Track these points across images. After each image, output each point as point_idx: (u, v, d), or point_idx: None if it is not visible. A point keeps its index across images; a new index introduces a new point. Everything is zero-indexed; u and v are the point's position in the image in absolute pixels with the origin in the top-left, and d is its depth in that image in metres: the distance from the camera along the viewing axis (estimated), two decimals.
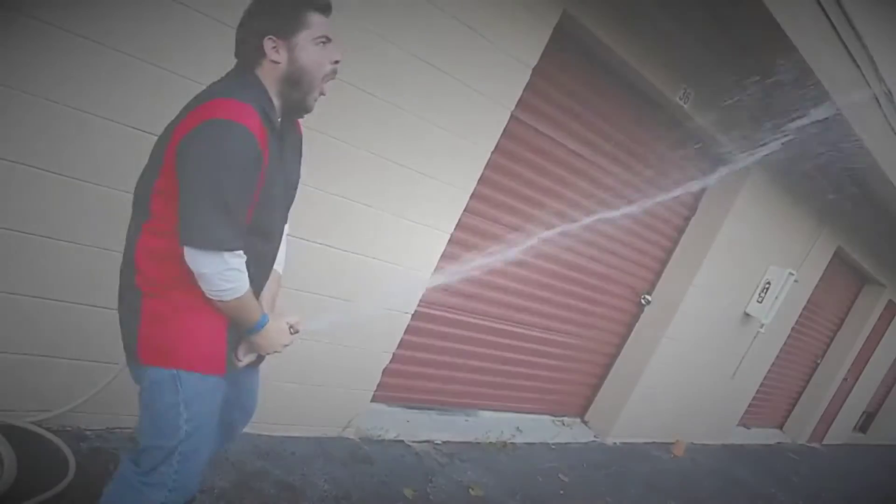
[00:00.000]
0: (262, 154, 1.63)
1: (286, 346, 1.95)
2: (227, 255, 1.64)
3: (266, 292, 1.99)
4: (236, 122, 1.56)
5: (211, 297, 1.70)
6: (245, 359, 1.93)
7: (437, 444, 4.30)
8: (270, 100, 1.73)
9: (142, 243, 1.72)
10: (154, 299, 1.73)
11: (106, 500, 1.86)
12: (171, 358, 1.74)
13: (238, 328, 1.83)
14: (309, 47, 1.72)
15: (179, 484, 1.81)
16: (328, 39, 1.76)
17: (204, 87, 1.74)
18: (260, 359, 2.00)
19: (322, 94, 1.82)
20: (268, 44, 1.70)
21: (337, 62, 1.79)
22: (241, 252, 1.68)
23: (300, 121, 1.93)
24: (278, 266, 2.05)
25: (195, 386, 1.77)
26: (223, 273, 1.65)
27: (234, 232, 1.64)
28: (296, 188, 1.96)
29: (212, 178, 1.57)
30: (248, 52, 1.74)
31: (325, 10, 1.77)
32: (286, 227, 2.03)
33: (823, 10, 3.80)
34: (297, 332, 1.97)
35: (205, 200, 1.58)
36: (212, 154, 1.56)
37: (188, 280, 1.69)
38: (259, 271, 1.86)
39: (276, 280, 2.06)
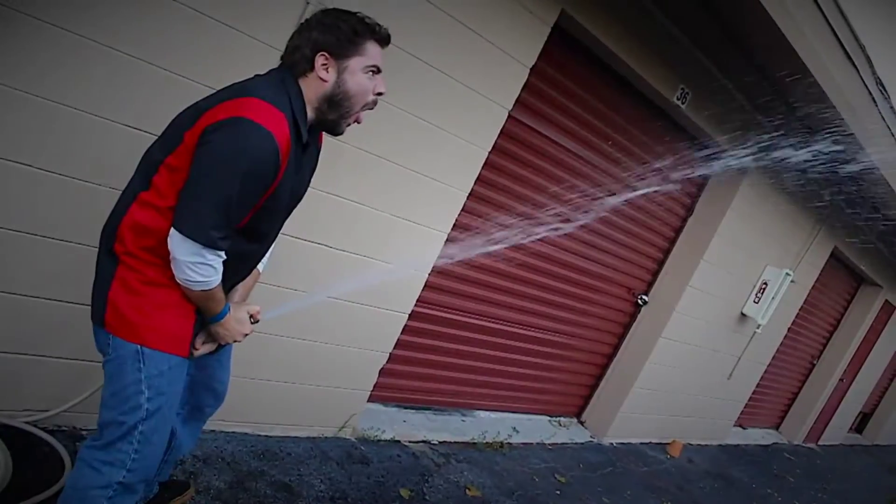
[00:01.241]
0: (280, 165, 1.63)
1: (246, 335, 1.96)
2: (206, 251, 1.64)
3: (240, 286, 2.01)
4: (266, 128, 1.56)
5: (179, 282, 1.71)
6: (202, 348, 1.93)
7: (433, 444, 4.29)
8: (306, 113, 1.73)
9: (131, 212, 1.71)
10: (128, 270, 1.73)
11: (68, 483, 1.86)
12: (136, 332, 1.74)
13: (200, 314, 1.84)
14: (358, 74, 1.74)
15: (138, 464, 1.81)
16: (378, 70, 1.78)
17: (201, 93, 1.73)
18: (218, 347, 1.99)
19: (358, 122, 1.83)
20: (320, 59, 1.71)
21: (381, 94, 1.81)
22: (222, 252, 1.68)
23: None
24: (260, 264, 2.06)
25: (158, 364, 1.77)
26: (196, 266, 1.66)
27: (225, 233, 1.65)
28: (301, 199, 1.96)
29: (225, 174, 1.56)
30: (298, 61, 1.73)
31: (384, 42, 1.80)
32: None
33: (822, 11, 3.80)
34: (256, 321, 1.98)
35: (210, 194, 1.58)
36: (232, 152, 1.55)
37: (165, 259, 1.70)
38: (244, 268, 1.90)
39: (255, 276, 2.08)
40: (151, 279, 1.73)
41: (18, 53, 2.22)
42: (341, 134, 1.84)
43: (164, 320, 1.76)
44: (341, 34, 1.71)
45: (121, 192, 1.79)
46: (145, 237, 1.70)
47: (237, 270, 1.81)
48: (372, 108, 1.84)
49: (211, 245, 1.63)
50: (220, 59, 2.56)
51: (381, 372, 3.84)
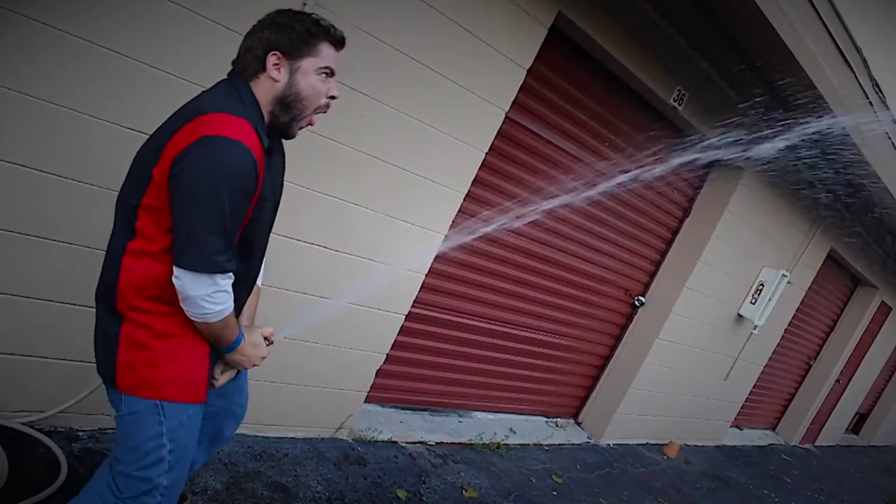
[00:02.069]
0: (259, 173, 1.59)
1: (264, 358, 1.93)
2: (218, 276, 1.60)
3: (245, 308, 1.96)
4: (235, 140, 1.50)
5: (195, 319, 1.66)
6: (221, 378, 1.90)
7: (430, 445, 4.29)
8: (262, 117, 1.68)
9: (125, 266, 1.64)
10: (135, 326, 1.67)
11: None
12: (153, 388, 1.69)
13: (215, 347, 1.79)
14: (311, 75, 1.69)
15: None
16: (332, 73, 1.74)
17: (197, 92, 1.71)
18: (237, 373, 1.97)
19: (311, 124, 1.78)
20: (272, 59, 1.66)
21: (333, 97, 1.76)
22: (231, 273, 1.64)
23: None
24: (259, 279, 2.02)
25: (178, 416, 1.73)
26: (212, 296, 1.61)
27: (230, 254, 1.61)
28: (278, 206, 1.90)
29: (212, 198, 1.50)
30: (250, 62, 1.68)
31: (339, 44, 1.74)
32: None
33: (818, 13, 3.81)
34: (271, 343, 1.95)
35: (202, 221, 1.52)
36: (210, 172, 1.49)
37: (173, 305, 1.65)
38: (244, 289, 1.84)
39: (256, 293, 2.03)
40: (161, 331, 1.68)
41: (18, 55, 2.22)
42: (293, 137, 1.79)
43: (179, 370, 1.72)
44: (294, 34, 1.66)
45: (113, 191, 1.74)
46: (147, 287, 1.64)
47: (239, 292, 1.77)
48: (325, 112, 1.79)
49: (221, 271, 1.59)
50: (219, 61, 2.56)
51: (378, 373, 3.84)
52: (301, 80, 1.68)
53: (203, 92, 1.69)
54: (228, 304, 1.67)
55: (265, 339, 1.93)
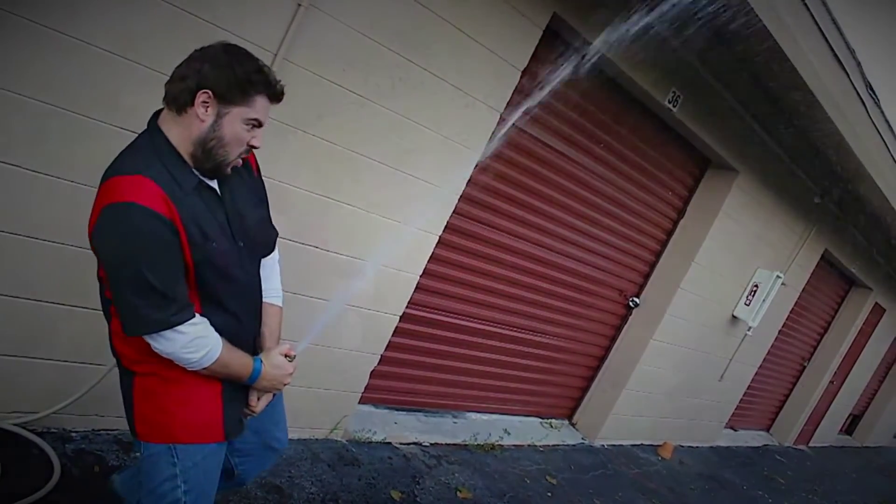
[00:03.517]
0: (175, 223, 1.52)
1: (291, 374, 1.93)
2: (180, 328, 1.58)
3: (265, 329, 1.96)
4: (134, 202, 1.45)
5: (192, 369, 1.67)
6: (259, 404, 1.92)
7: (424, 446, 4.29)
8: (180, 159, 1.59)
9: (113, 328, 1.71)
10: (144, 377, 1.71)
11: None
12: (165, 433, 1.72)
13: (238, 381, 1.81)
14: (237, 123, 1.60)
15: None
16: (259, 125, 1.66)
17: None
18: (273, 397, 1.98)
19: (234, 166, 1.69)
20: (202, 96, 1.56)
21: (254, 147, 1.68)
22: (195, 320, 1.61)
23: (254, 156, 1.85)
24: (275, 300, 2.01)
25: (192, 457, 1.74)
26: (187, 346, 1.61)
27: (173, 307, 1.56)
28: (259, 224, 1.85)
29: (125, 266, 1.49)
30: (181, 92, 1.58)
31: (276, 98, 1.67)
32: (275, 255, 2.01)
33: (812, 15, 3.82)
34: (293, 358, 1.95)
35: (127, 289, 1.52)
36: (117, 242, 1.48)
37: None
38: (244, 319, 1.83)
39: (277, 314, 2.01)
40: (167, 377, 1.70)
41: (13, 55, 2.22)
42: (223, 177, 1.70)
43: (191, 413, 1.74)
44: (233, 79, 1.56)
45: None
46: (141, 346, 1.65)
47: (240, 325, 1.79)
48: (244, 156, 1.70)
49: (169, 325, 1.57)
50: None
51: (373, 374, 3.84)
52: (226, 126, 1.59)
53: (124, 149, 1.63)
54: (212, 346, 1.66)
55: (286, 356, 1.93)
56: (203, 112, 1.57)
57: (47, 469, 2.51)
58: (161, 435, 1.72)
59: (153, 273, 1.50)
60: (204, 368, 1.67)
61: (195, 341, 1.62)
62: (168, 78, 1.63)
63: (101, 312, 1.78)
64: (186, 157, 1.60)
